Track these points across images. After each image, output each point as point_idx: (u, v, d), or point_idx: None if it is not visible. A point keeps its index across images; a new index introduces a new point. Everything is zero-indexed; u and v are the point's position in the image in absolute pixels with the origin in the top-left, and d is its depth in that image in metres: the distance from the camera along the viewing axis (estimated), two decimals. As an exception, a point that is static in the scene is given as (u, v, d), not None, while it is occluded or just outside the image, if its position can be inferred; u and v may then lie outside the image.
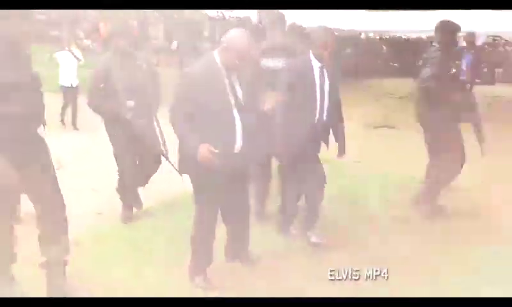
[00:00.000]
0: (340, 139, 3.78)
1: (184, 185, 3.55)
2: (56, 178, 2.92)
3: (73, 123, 8.22)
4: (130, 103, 3.98)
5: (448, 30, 4.42)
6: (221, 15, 21.32)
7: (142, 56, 4.36)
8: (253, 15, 20.97)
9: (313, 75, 3.56)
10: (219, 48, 2.93)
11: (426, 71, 4.24)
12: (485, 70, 18.17)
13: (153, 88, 4.14)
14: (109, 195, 4.59)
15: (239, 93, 2.95)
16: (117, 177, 4.35)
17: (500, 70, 18.66)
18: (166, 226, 4.07)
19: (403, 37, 21.94)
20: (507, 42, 21.75)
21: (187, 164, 2.99)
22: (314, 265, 3.41)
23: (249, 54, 2.89)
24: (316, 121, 3.61)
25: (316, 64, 3.59)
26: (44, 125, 2.87)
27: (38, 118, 2.80)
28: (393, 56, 19.93)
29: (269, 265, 3.41)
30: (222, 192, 3.01)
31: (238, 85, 2.96)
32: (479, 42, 21.14)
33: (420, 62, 4.52)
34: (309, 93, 3.56)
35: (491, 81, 17.58)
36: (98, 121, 4.35)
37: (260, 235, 3.67)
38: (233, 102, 2.90)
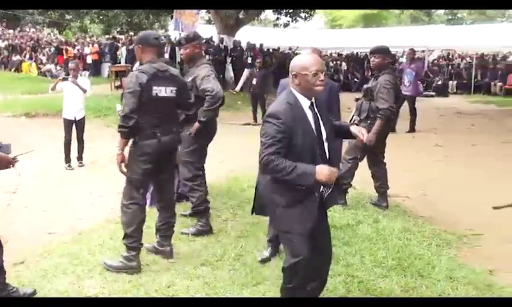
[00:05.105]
0: None
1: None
2: None
3: (79, 159, 7.26)
4: None
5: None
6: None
7: None
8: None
9: None
10: (290, 81, 2.79)
11: None
12: (439, 82, 18.99)
13: None
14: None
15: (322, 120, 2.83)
16: None
17: (454, 83, 19.47)
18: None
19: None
20: (460, 56, 22.77)
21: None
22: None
23: (320, 71, 2.70)
24: None
25: None
26: None
27: None
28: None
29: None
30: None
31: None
32: (433, 57, 22.11)
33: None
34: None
35: (445, 93, 18.31)
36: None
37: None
38: (316, 132, 2.77)
